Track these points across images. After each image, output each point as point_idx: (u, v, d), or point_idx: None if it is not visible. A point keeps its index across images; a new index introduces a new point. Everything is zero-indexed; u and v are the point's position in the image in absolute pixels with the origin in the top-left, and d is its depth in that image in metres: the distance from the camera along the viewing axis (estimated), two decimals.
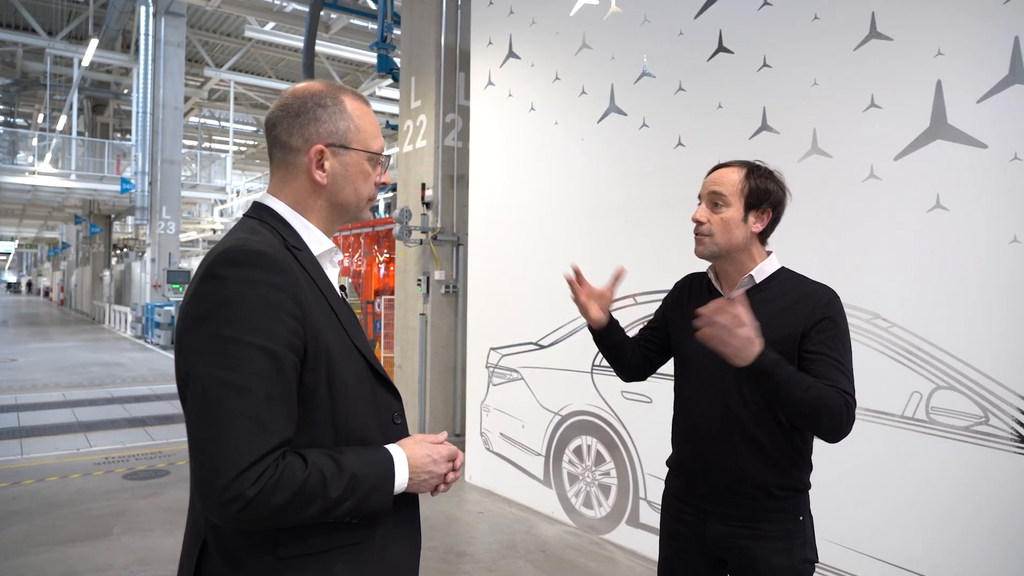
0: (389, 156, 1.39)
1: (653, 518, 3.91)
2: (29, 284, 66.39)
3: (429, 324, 6.32)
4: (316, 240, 1.28)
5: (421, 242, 6.27)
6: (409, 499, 1.29)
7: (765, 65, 3.35)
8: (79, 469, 5.65)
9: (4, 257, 68.21)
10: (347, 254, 8.92)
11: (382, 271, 8.19)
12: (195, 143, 26.81)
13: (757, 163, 1.81)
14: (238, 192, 29.90)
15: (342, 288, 1.36)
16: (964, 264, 2.66)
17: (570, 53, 4.47)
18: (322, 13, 11.71)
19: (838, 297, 1.75)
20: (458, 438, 6.06)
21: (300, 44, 18.16)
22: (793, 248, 3.09)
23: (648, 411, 3.96)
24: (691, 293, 1.94)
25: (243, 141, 30.54)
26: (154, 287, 16.96)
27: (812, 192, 3.12)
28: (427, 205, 6.29)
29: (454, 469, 1.29)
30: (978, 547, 2.59)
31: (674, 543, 1.87)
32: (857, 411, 1.68)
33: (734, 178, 1.76)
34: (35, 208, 26.91)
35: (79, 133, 22.56)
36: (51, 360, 13.19)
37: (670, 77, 3.82)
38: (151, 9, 16.21)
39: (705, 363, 1.79)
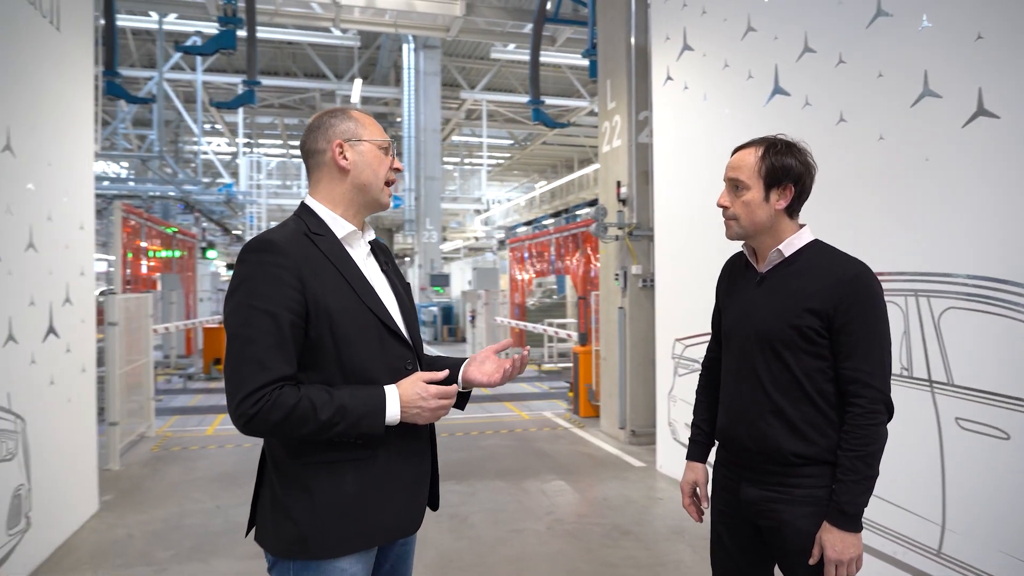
0: (395, 143, 1.73)
1: None
2: None
3: (627, 317, 6.51)
4: (339, 226, 1.64)
5: (617, 238, 6.49)
6: (415, 432, 1.62)
7: (925, 24, 3.06)
8: None
9: None
10: (565, 254, 9.42)
11: (593, 270, 8.53)
12: (457, 160, 29.60)
13: (776, 138, 1.81)
14: (497, 201, 32.44)
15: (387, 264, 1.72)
16: None
17: (736, 38, 4.41)
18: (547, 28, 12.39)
19: (866, 272, 1.72)
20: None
21: (545, 60, 19.27)
22: (965, 218, 2.83)
23: None
24: (732, 273, 2.00)
25: (501, 154, 33.00)
26: (421, 290, 19.18)
27: (979, 159, 2.81)
28: (623, 202, 6.50)
29: (445, 405, 1.57)
30: None
31: (719, 510, 1.95)
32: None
33: (751, 160, 1.79)
34: None
35: None
36: None
37: (830, 50, 3.63)
38: (412, 45, 18.40)
39: (739, 337, 1.87)
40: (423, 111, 19.07)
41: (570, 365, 8.86)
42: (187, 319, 13.41)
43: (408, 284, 1.90)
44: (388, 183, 1.69)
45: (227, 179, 21.43)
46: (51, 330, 3.82)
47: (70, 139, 4.16)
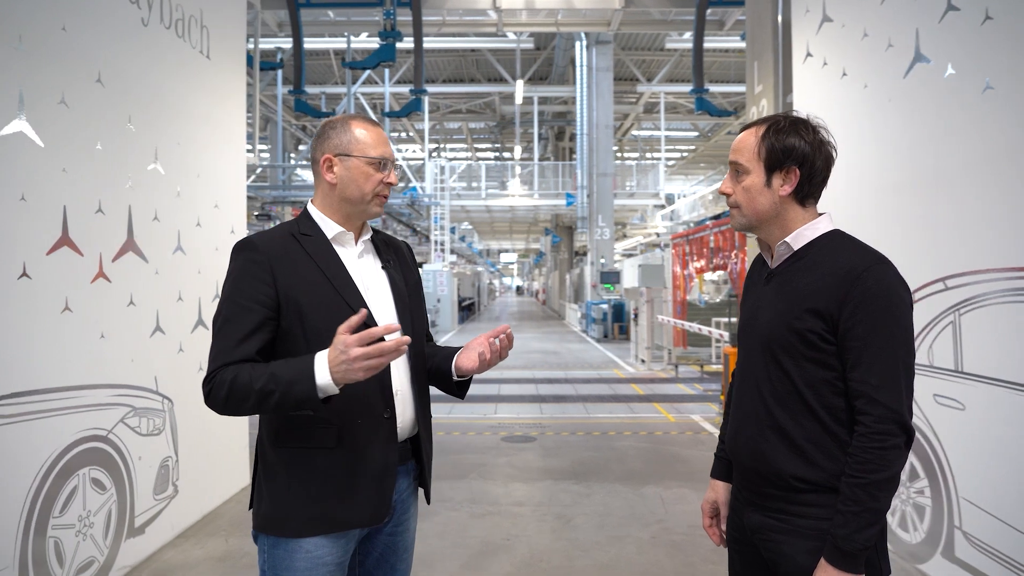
0: (391, 160, 1.74)
1: (972, 555, 3.19)
2: (517, 288, 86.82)
3: None
4: (328, 227, 1.72)
5: None
6: (380, 424, 1.66)
7: None
8: (475, 429, 7.03)
9: (511, 266, 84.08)
10: (724, 249, 8.94)
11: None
12: (637, 154, 29.15)
13: (782, 116, 1.59)
14: (678, 196, 31.47)
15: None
16: None
17: (876, 3, 3.89)
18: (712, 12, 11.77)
19: (881, 265, 1.46)
20: None
21: (724, 46, 18.40)
22: None
23: (960, 420, 3.24)
24: (752, 271, 1.78)
25: (685, 147, 31.97)
26: (592, 287, 19.15)
27: None
28: None
29: (372, 354, 1.42)
30: None
31: (730, 534, 1.75)
32: None
33: (751, 141, 1.59)
34: (517, 224, 32.78)
35: (545, 159, 26.75)
36: None
37: (976, 5, 3.09)
38: (583, 42, 18.40)
39: (745, 343, 1.68)
40: (595, 107, 19.02)
41: None
42: None
43: (417, 281, 1.92)
44: (381, 195, 1.72)
45: (416, 183, 22.91)
46: (200, 322, 4.33)
47: (220, 154, 4.69)
